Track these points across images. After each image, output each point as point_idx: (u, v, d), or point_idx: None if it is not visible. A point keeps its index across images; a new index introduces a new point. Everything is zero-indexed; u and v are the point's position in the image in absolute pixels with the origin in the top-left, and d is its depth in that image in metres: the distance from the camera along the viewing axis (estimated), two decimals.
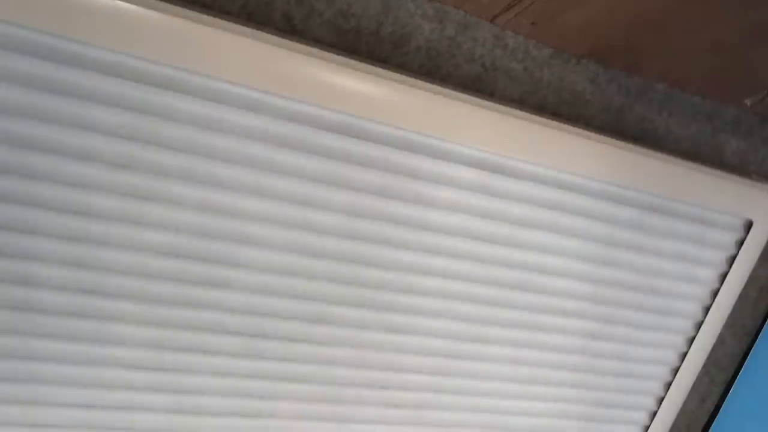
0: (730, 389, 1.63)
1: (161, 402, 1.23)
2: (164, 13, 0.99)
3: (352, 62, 1.08)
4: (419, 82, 1.12)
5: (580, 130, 1.23)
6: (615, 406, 1.53)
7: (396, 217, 1.20)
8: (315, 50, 1.06)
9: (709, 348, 1.52)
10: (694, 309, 1.47)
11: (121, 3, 0.97)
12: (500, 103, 1.18)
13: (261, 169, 1.11)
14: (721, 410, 1.64)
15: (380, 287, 1.25)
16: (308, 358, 1.27)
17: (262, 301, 1.20)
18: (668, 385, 1.54)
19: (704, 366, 1.61)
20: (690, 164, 1.31)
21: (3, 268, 1.07)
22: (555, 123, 1.21)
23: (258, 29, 1.03)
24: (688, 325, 1.49)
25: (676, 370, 1.53)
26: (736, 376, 1.62)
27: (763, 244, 1.41)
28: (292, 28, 1.09)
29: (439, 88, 1.13)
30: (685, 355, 1.52)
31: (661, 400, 1.56)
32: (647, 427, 1.58)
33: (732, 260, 1.43)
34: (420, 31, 1.15)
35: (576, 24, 1.13)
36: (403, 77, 1.11)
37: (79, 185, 1.05)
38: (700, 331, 1.49)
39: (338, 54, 1.08)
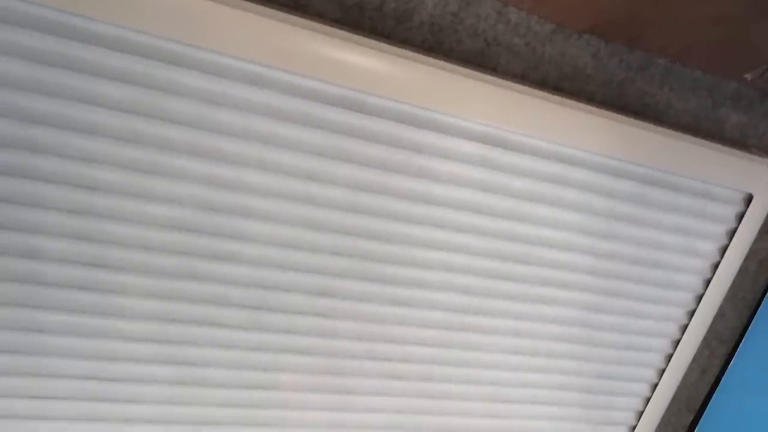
0: (730, 362, 1.64)
1: (165, 374, 1.25)
2: None
3: (356, 37, 1.09)
4: (422, 57, 1.12)
5: (581, 105, 1.23)
6: (616, 378, 1.54)
7: (399, 191, 1.21)
8: (318, 25, 1.06)
9: (709, 321, 1.53)
10: (695, 282, 1.48)
11: None
12: (502, 78, 1.18)
13: (265, 144, 1.12)
14: (721, 382, 1.65)
15: (383, 260, 1.26)
16: (311, 331, 1.28)
17: (265, 274, 1.21)
18: (669, 358, 1.56)
19: (705, 338, 1.62)
20: (690, 138, 1.31)
21: (8, 240, 1.08)
22: (557, 97, 1.21)
23: (261, 4, 1.04)
24: (688, 298, 1.50)
25: (676, 343, 1.54)
26: (737, 349, 1.63)
27: (763, 217, 1.42)
28: (296, 3, 1.09)
29: (441, 63, 1.13)
30: (685, 327, 1.52)
31: (661, 372, 1.57)
32: (648, 399, 1.59)
33: (732, 233, 1.43)
34: (423, 6, 1.15)
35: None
36: (406, 52, 1.11)
37: (84, 159, 1.06)
38: (701, 303, 1.50)
39: (341, 29, 1.08)
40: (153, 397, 1.26)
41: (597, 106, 1.25)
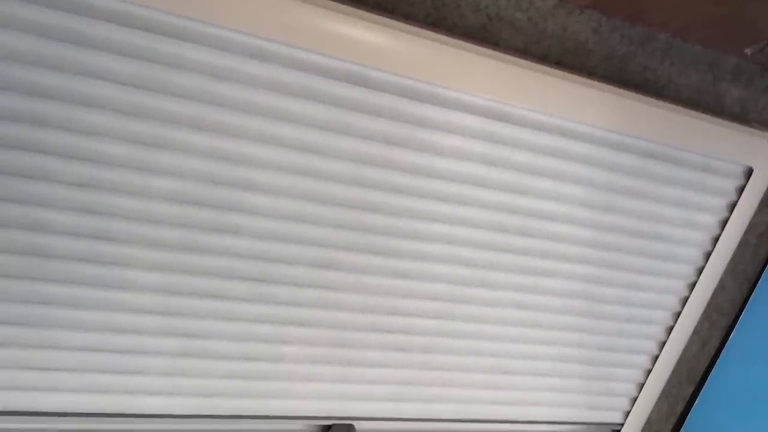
0: (730, 334, 1.65)
1: (169, 345, 1.26)
2: None
3: (359, 12, 1.09)
4: (425, 32, 1.13)
5: (583, 79, 1.24)
6: (617, 350, 1.56)
7: (402, 165, 1.22)
8: (322, 0, 1.07)
9: (710, 293, 1.54)
10: (696, 254, 1.49)
11: None
12: (504, 53, 1.19)
13: (268, 117, 1.13)
14: (721, 354, 1.66)
15: (386, 233, 1.27)
16: (315, 303, 1.29)
17: (269, 246, 1.23)
18: (670, 330, 1.57)
19: (705, 311, 1.63)
20: (691, 112, 1.32)
21: (15, 213, 1.09)
22: (558, 72, 1.22)
23: None
24: (689, 271, 1.51)
25: (677, 315, 1.55)
26: (737, 321, 1.64)
27: (763, 190, 1.43)
28: None
29: (444, 38, 1.14)
30: (686, 300, 1.54)
31: (663, 345, 1.58)
32: (649, 371, 1.61)
33: (732, 207, 1.44)
34: None
35: None
36: (408, 27, 1.12)
37: (89, 132, 1.08)
38: (701, 276, 1.51)
39: (345, 3, 1.09)
40: (157, 369, 1.27)
41: (598, 81, 1.26)
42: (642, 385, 1.62)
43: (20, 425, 1.23)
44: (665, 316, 1.55)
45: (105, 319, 1.21)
